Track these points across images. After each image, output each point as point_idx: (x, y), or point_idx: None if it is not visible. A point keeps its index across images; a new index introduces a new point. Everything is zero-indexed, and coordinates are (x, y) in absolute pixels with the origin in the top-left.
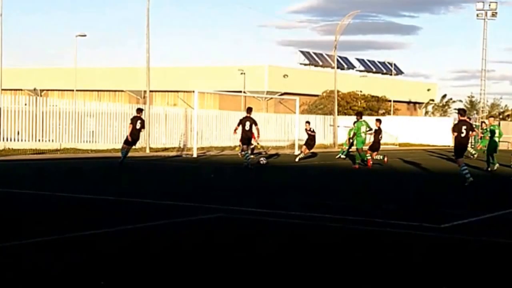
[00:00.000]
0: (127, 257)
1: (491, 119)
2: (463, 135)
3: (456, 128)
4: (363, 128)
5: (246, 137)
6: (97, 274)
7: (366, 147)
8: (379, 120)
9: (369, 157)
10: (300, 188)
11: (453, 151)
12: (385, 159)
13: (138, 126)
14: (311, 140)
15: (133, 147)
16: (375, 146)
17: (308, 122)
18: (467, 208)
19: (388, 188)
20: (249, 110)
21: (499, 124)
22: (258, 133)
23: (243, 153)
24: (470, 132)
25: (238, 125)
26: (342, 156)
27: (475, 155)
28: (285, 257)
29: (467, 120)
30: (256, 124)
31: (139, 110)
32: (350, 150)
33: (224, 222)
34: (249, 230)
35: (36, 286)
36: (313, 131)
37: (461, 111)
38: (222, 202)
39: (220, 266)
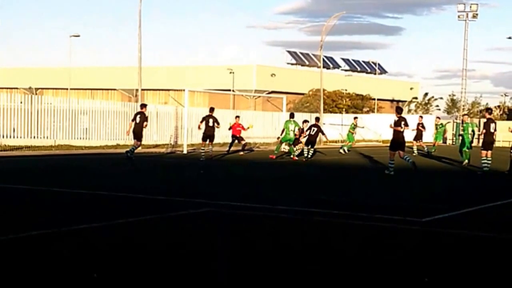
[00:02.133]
0: (119, 251)
1: (465, 117)
2: (401, 129)
3: (397, 124)
4: (291, 127)
5: (208, 134)
6: (90, 267)
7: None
8: (306, 121)
9: (292, 152)
10: (287, 183)
11: (390, 144)
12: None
13: (137, 120)
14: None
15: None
16: (310, 139)
17: (306, 121)
18: (447, 203)
19: (371, 183)
20: (212, 109)
21: (479, 122)
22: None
23: (203, 149)
24: (405, 127)
25: (201, 122)
26: (346, 151)
27: (416, 151)
28: (271, 250)
29: (404, 117)
30: (218, 123)
31: (142, 106)
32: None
33: (212, 216)
34: (236, 224)
35: (31, 277)
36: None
37: (398, 109)
38: (211, 197)
39: (206, 258)
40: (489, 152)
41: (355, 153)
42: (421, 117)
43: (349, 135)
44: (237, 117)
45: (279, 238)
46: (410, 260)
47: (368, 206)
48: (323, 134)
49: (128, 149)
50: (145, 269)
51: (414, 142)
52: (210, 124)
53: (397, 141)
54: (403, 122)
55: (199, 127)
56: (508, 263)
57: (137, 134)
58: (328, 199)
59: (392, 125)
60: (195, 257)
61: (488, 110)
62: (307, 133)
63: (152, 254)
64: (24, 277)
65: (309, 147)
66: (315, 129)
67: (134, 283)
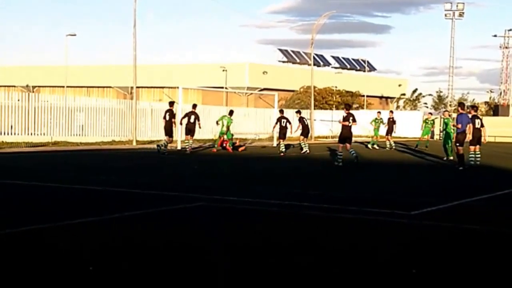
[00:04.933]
0: (114, 244)
1: (446, 113)
2: (350, 125)
3: (345, 120)
4: (225, 122)
5: (189, 128)
6: (86, 260)
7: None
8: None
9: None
10: (277, 177)
11: (338, 137)
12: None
13: (167, 118)
14: (305, 128)
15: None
16: (282, 132)
17: (298, 112)
18: (434, 197)
19: (358, 177)
20: (194, 106)
21: None
22: (199, 126)
23: (187, 143)
24: (353, 122)
25: (184, 117)
26: (376, 147)
27: (393, 145)
28: (262, 243)
29: (352, 113)
30: (199, 119)
31: (171, 103)
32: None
33: (205, 210)
34: (229, 218)
35: (28, 271)
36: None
37: (347, 106)
38: (204, 191)
39: (200, 252)
40: (477, 147)
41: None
42: (391, 112)
43: (375, 130)
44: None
45: (270, 232)
46: (398, 252)
47: (356, 199)
48: (290, 124)
49: (159, 144)
50: (137, 260)
51: (387, 136)
52: (192, 120)
53: (345, 135)
54: (351, 118)
55: (180, 123)
56: (494, 255)
57: (168, 130)
58: (318, 193)
59: (341, 120)
60: (188, 251)
61: (474, 107)
62: (278, 126)
63: (147, 248)
64: (21, 270)
65: (281, 140)
66: (285, 120)
67: (128, 276)
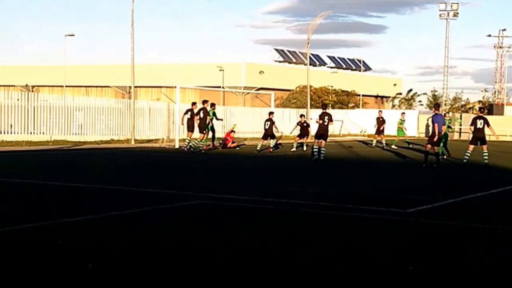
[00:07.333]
0: (113, 241)
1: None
2: (325, 123)
3: (320, 118)
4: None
5: (188, 126)
6: (86, 258)
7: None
8: (302, 115)
9: (208, 143)
10: (274, 175)
11: (315, 134)
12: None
13: (201, 115)
14: (305, 130)
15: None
16: (266, 133)
17: (302, 115)
18: (430, 194)
19: (353, 175)
20: (193, 104)
21: (461, 117)
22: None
23: (194, 142)
24: (330, 121)
25: (185, 114)
26: (395, 146)
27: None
28: (260, 242)
29: (328, 112)
30: (194, 117)
31: (204, 102)
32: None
33: (202, 208)
34: (226, 215)
35: (27, 268)
36: (307, 124)
37: (323, 106)
38: (202, 189)
39: (194, 248)
40: (483, 146)
41: (340, 146)
42: (380, 111)
43: (398, 130)
44: (231, 132)
45: (267, 230)
46: (395, 250)
47: (352, 197)
48: (275, 127)
49: (195, 143)
50: (136, 258)
51: (376, 135)
52: (188, 116)
53: (321, 132)
54: (326, 117)
55: (181, 122)
56: (490, 252)
57: (201, 128)
58: (315, 191)
59: (317, 119)
60: (187, 249)
61: (481, 109)
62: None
63: (144, 246)
64: (21, 268)
65: (269, 139)
66: (269, 123)
67: (127, 274)
